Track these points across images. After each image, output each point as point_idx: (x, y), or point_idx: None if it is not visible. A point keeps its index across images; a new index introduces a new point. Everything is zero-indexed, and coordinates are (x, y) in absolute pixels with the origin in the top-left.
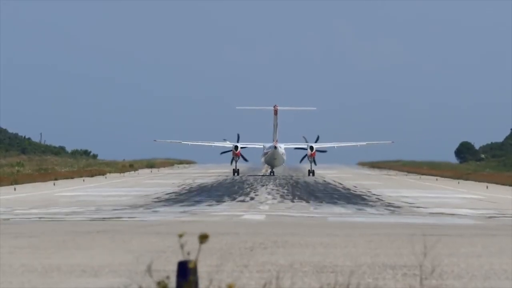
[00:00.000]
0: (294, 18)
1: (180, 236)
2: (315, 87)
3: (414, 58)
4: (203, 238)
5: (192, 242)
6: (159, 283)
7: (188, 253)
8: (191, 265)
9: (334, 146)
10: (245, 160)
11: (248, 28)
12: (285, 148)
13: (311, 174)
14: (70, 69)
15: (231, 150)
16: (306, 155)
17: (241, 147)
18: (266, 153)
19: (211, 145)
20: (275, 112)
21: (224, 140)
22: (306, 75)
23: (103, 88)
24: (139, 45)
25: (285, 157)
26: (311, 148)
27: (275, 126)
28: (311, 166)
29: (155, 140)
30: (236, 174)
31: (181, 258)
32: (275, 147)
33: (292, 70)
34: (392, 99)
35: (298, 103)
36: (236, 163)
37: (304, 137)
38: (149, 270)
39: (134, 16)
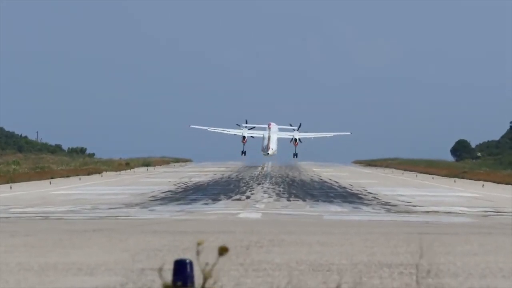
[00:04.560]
0: (295, 21)
1: (199, 244)
2: (314, 86)
3: (411, 57)
4: (223, 250)
5: (188, 241)
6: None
7: (206, 263)
8: (206, 276)
9: (311, 138)
10: (252, 137)
11: (248, 32)
12: (278, 138)
13: (295, 156)
14: (67, 69)
15: (242, 135)
16: (292, 140)
17: (248, 135)
18: (263, 148)
19: (227, 132)
20: (269, 127)
21: (238, 125)
22: (305, 73)
23: (99, 86)
24: (135, 47)
25: (276, 151)
26: (295, 140)
27: (269, 137)
28: (295, 150)
29: (189, 126)
30: (243, 154)
31: (177, 257)
32: (268, 153)
33: (293, 71)
34: (389, 98)
35: (300, 101)
36: (244, 146)
37: (290, 124)
38: (160, 271)
39: (129, 19)
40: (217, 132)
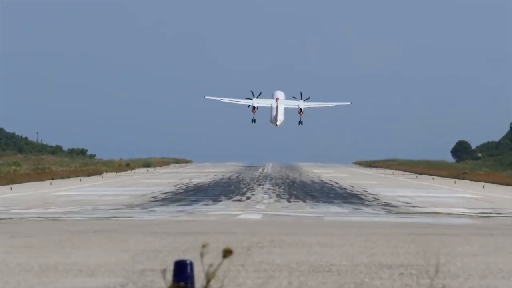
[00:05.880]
0: (295, 19)
1: (204, 246)
2: (314, 85)
3: (411, 58)
4: (227, 253)
5: (189, 242)
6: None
7: (210, 264)
8: (210, 277)
9: (315, 107)
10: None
11: (248, 30)
12: (285, 107)
13: (300, 123)
14: (67, 69)
15: (252, 105)
16: (297, 110)
17: (258, 105)
18: (271, 119)
19: (238, 103)
20: (276, 100)
21: (246, 98)
22: (306, 73)
23: (99, 87)
24: (135, 48)
25: (283, 122)
26: (300, 110)
27: (277, 107)
28: (300, 118)
29: (204, 97)
30: (253, 122)
31: (177, 258)
32: (276, 124)
33: (293, 67)
34: (389, 99)
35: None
36: (254, 115)
37: (294, 97)
38: (164, 273)
39: (129, 19)
40: (229, 103)
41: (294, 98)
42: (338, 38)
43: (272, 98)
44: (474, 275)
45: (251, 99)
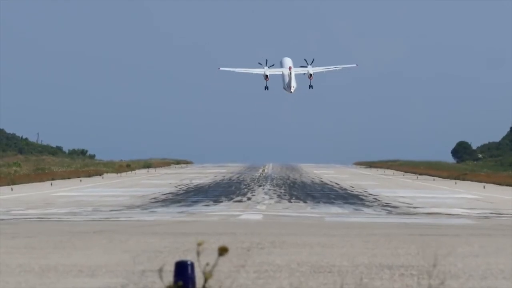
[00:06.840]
0: (295, 18)
1: (199, 244)
2: (315, 86)
3: (412, 59)
4: (223, 250)
5: (189, 243)
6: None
7: (207, 263)
8: (207, 276)
9: (323, 71)
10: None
11: (249, 28)
12: (296, 74)
13: (310, 87)
14: (67, 70)
15: (264, 73)
16: (306, 74)
17: (270, 74)
18: (285, 86)
19: (251, 72)
20: (289, 69)
21: (260, 64)
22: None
23: (100, 88)
24: (136, 49)
25: (295, 87)
26: (310, 75)
27: (290, 74)
28: (310, 82)
29: (219, 68)
30: (266, 89)
31: (177, 258)
32: (291, 91)
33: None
34: (389, 100)
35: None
36: (266, 83)
37: (305, 59)
38: (160, 272)
39: (129, 20)
40: (243, 72)
41: (305, 62)
42: (337, 38)
43: (280, 65)
44: (474, 276)
45: (263, 67)
